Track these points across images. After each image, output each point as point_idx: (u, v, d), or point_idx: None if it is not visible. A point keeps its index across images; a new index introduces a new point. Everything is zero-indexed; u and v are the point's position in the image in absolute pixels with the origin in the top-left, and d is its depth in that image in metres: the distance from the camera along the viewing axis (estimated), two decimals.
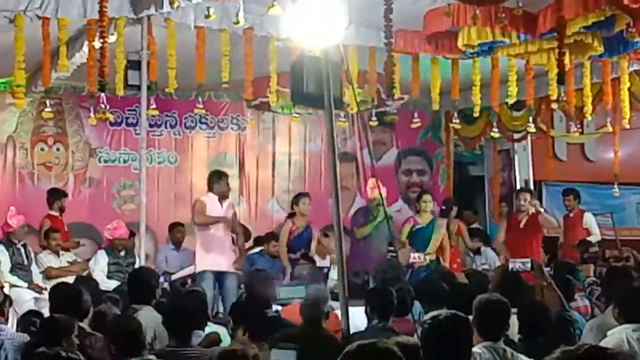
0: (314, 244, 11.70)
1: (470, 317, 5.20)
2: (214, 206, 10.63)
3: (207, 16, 8.64)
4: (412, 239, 12.19)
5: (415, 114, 12.83)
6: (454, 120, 12.78)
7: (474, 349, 5.50)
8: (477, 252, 13.40)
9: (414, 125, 12.89)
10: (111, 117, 8.72)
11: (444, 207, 12.82)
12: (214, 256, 10.48)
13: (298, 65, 6.60)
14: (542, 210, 12.38)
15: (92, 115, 10.88)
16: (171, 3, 7.95)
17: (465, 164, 16.44)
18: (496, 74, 10.93)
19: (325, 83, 6.27)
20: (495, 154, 15.42)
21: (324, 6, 6.17)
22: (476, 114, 12.04)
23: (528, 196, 12.40)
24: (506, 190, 15.25)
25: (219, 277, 10.49)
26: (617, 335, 5.99)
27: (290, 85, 6.82)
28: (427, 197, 12.43)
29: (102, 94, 8.11)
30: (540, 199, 15.37)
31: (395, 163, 15.60)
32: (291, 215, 11.89)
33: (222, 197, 10.75)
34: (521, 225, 12.14)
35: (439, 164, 15.74)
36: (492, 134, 13.18)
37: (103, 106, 8.34)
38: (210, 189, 10.80)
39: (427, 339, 4.50)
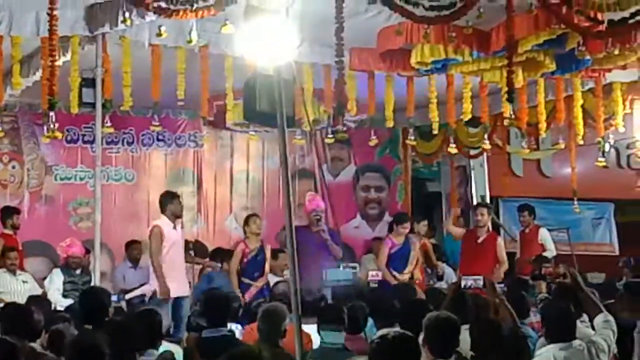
0: (267, 264, 11.59)
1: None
2: (169, 231, 10.45)
3: (159, 34, 8.65)
4: (390, 260, 12.23)
5: (372, 132, 12.87)
6: (409, 137, 12.88)
7: None
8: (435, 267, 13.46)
9: (371, 143, 12.94)
10: (60, 136, 8.69)
11: (395, 221, 12.78)
12: (172, 283, 10.31)
13: (251, 83, 6.61)
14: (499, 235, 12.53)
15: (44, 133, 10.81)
16: (123, 21, 7.94)
17: (423, 180, 16.54)
18: (451, 91, 11.02)
19: (277, 101, 6.28)
20: (453, 170, 15.50)
21: (275, 25, 6.20)
22: (435, 131, 12.11)
23: (485, 211, 12.48)
24: (463, 206, 15.32)
25: (176, 301, 10.35)
26: (545, 355, 6.07)
27: (243, 103, 6.83)
28: (404, 224, 12.44)
29: (52, 113, 8.06)
30: (497, 215, 15.53)
31: (354, 179, 15.65)
32: (244, 239, 11.70)
33: (176, 217, 10.63)
34: (479, 241, 12.21)
35: (396, 181, 15.81)
36: (449, 149, 13.26)
37: (52, 125, 8.27)
38: (163, 211, 10.59)
39: (375, 357, 4.51)
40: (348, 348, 6.66)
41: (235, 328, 8.09)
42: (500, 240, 12.49)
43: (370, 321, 7.63)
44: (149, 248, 10.58)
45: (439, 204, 16.17)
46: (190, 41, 8.63)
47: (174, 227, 10.57)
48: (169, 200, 10.65)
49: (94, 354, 5.66)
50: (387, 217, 14.94)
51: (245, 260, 11.43)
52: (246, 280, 11.33)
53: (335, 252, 11.86)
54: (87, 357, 5.65)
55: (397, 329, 4.82)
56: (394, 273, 12.02)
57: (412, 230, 12.93)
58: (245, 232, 11.71)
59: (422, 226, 13.15)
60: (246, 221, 11.78)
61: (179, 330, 9.17)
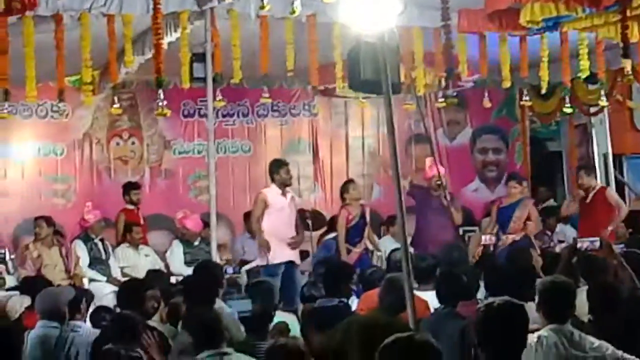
0: (367, 230, 11.58)
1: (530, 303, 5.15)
2: (277, 198, 10.52)
3: (262, 7, 8.66)
4: (498, 218, 12.06)
5: (486, 93, 12.66)
6: (524, 98, 12.62)
7: (540, 332, 5.44)
8: (553, 230, 13.22)
9: (485, 105, 12.73)
10: (168, 113, 8.80)
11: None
12: (283, 247, 10.41)
13: (355, 52, 6.60)
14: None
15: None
16: None
17: (542, 140, 16.20)
18: (565, 48, 10.73)
19: (382, 69, 6.22)
20: (572, 129, 15.13)
21: None
22: (544, 90, 11.83)
23: (583, 173, 12.18)
24: (584, 164, 14.94)
25: (287, 267, 10.44)
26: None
27: (348, 72, 6.80)
28: (512, 182, 12.27)
29: (160, 90, 8.17)
30: (621, 173, 15.14)
31: (470, 142, 15.49)
32: (345, 204, 11.70)
33: (284, 186, 10.67)
34: (587, 201, 11.94)
35: (515, 142, 15.55)
36: (564, 109, 12.96)
37: (161, 102, 8.40)
38: (272, 179, 10.67)
39: (480, 326, 4.45)
40: (461, 315, 6.59)
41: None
42: (609, 190, 12.19)
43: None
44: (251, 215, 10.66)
45: (560, 164, 15.85)
46: (293, 12, 8.63)
47: (283, 194, 10.61)
48: (276, 169, 10.70)
49: (209, 328, 5.79)
50: None
51: (348, 226, 11.44)
52: (347, 246, 11.35)
53: (456, 217, 11.75)
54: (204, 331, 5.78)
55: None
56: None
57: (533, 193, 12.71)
58: (344, 199, 11.64)
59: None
60: (345, 188, 11.74)
61: (291, 299, 9.21)
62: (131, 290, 7.17)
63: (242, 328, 6.88)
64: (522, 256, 8.99)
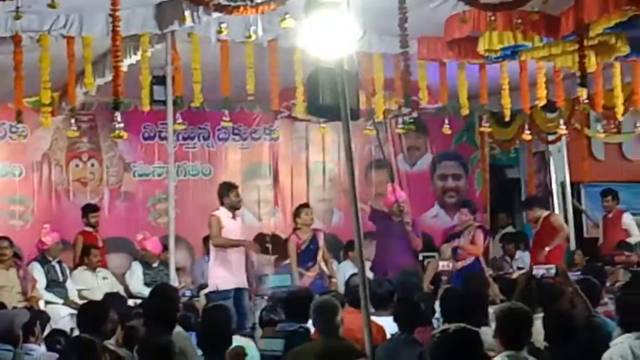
0: (320, 254, 11.61)
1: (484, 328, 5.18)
2: (227, 221, 10.49)
3: (220, 31, 8.70)
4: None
5: (446, 120, 12.73)
6: (484, 124, 12.73)
7: (496, 359, 5.47)
8: (513, 256, 13.32)
9: (445, 132, 12.79)
10: (125, 136, 8.75)
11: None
12: (232, 275, 10.40)
13: (313, 77, 6.61)
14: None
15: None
16: (184, 20, 8.01)
17: (502, 167, 16.33)
18: (524, 76, 10.87)
19: (340, 94, 6.25)
20: (531, 157, 15.27)
21: (335, 17, 6.17)
22: (507, 118, 11.94)
23: (527, 210, 12.52)
24: (542, 193, 15.08)
25: (236, 292, 10.42)
26: (620, 346, 5.93)
27: (307, 97, 6.83)
28: (463, 210, 12.45)
29: (117, 113, 8.14)
30: (579, 200, 15.29)
31: (430, 168, 15.56)
32: (295, 229, 11.74)
33: (234, 209, 10.66)
34: (537, 229, 12.08)
35: (474, 168, 15.66)
36: (524, 136, 13.09)
37: (117, 125, 8.37)
38: (221, 202, 10.62)
39: (435, 352, 4.47)
40: (418, 340, 6.60)
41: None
42: (553, 216, 12.38)
43: None
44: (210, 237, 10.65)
45: (519, 191, 15.95)
46: (250, 36, 8.67)
47: (233, 217, 10.60)
48: (226, 192, 10.65)
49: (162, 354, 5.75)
50: None
51: (298, 251, 11.45)
52: (299, 270, 11.35)
53: (416, 243, 11.79)
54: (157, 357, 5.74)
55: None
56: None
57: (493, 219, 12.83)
58: (296, 223, 11.64)
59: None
60: (297, 212, 11.74)
61: (242, 324, 9.19)
62: (92, 313, 7.11)
63: (200, 353, 6.85)
64: (474, 281, 9.02)
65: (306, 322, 7.43)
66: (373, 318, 6.35)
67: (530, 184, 15.26)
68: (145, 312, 7.37)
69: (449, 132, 12.92)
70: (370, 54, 10.15)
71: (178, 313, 7.33)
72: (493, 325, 5.82)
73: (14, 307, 9.36)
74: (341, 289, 10.74)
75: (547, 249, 11.40)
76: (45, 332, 8.02)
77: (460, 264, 11.74)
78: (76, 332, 9.11)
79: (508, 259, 13.28)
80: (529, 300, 6.96)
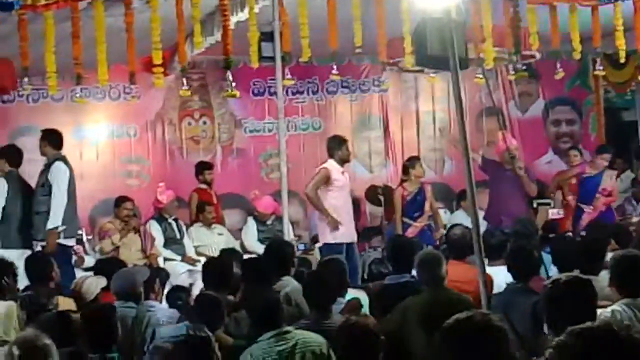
0: (427, 204, 11.55)
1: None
2: (337, 175, 10.48)
3: None
4: (580, 187, 12.14)
5: (558, 64, 12.44)
6: (597, 68, 12.41)
7: (614, 307, 5.39)
8: None
9: (557, 76, 12.51)
10: (237, 95, 8.83)
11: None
12: (344, 228, 10.40)
13: (421, 27, 6.59)
14: None
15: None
16: None
17: (618, 110, 15.94)
18: (639, 17, 10.54)
19: (448, 44, 6.18)
20: None
21: None
22: (622, 60, 11.61)
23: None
24: None
25: (348, 247, 10.39)
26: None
27: (415, 48, 6.78)
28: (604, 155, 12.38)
29: (229, 72, 8.20)
30: None
31: (543, 114, 15.30)
32: (402, 181, 11.69)
33: (344, 162, 10.66)
34: None
35: (588, 112, 15.33)
36: (639, 78, 12.75)
37: (229, 83, 8.43)
38: (330, 155, 10.62)
39: (547, 303, 4.41)
40: (534, 289, 6.54)
41: None
42: None
43: None
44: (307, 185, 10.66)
45: (636, 134, 15.57)
46: None
47: (342, 173, 10.60)
48: (337, 146, 10.66)
49: (267, 310, 5.84)
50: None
51: (404, 202, 11.49)
52: (406, 220, 11.40)
53: (531, 189, 11.67)
54: (267, 312, 5.83)
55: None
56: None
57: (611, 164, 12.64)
58: (408, 174, 11.68)
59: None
60: (412, 163, 11.81)
61: (353, 279, 9.20)
62: (215, 270, 7.28)
63: None
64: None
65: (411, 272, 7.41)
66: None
67: None
68: (259, 268, 7.45)
69: (561, 76, 12.61)
70: (478, 1, 9.98)
71: (293, 269, 7.43)
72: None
73: (134, 265, 9.61)
74: None
75: None
76: (166, 289, 8.23)
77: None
78: (195, 288, 9.42)
79: (635, 203, 12.98)
80: None
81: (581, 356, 2.62)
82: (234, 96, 8.88)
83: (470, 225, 6.52)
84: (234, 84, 8.56)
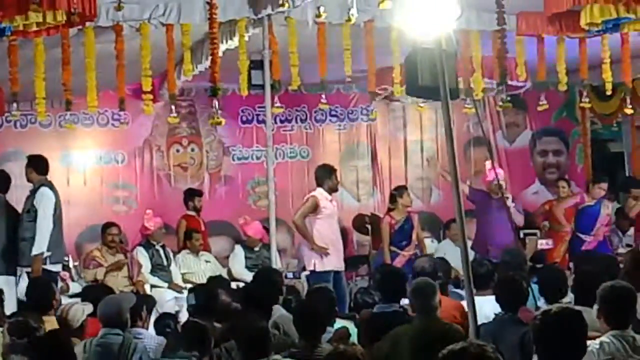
0: (414, 233, 11.57)
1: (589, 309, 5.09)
2: (325, 203, 10.52)
3: (318, 15, 8.69)
4: (578, 217, 12.21)
5: (542, 96, 12.47)
6: (583, 99, 12.46)
7: (602, 339, 5.37)
8: (625, 231, 13.10)
9: (539, 108, 12.52)
10: (223, 122, 8.89)
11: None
12: (331, 256, 10.42)
13: (412, 57, 6.60)
14: None
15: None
16: (281, 4, 8.04)
17: (604, 141, 16.02)
18: (626, 49, 10.61)
19: (439, 74, 6.20)
20: (634, 130, 14.93)
21: None
22: (608, 92, 11.68)
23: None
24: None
25: (335, 275, 10.42)
26: None
27: (405, 78, 6.80)
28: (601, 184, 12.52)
29: (215, 100, 8.23)
30: None
31: (530, 144, 15.35)
32: (389, 210, 11.71)
33: (332, 192, 10.67)
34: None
35: (575, 143, 15.38)
36: (625, 110, 12.79)
37: (215, 111, 8.46)
38: (319, 184, 10.64)
39: (538, 333, 4.41)
40: (522, 320, 6.54)
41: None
42: None
43: None
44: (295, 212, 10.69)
45: (622, 165, 15.64)
46: (349, 19, 8.65)
47: (330, 201, 10.62)
48: (326, 175, 10.69)
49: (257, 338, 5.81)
50: None
51: (392, 231, 11.48)
52: (393, 249, 11.41)
53: (518, 219, 11.69)
54: (255, 341, 5.80)
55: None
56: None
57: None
58: (396, 203, 11.66)
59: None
60: (399, 192, 11.77)
61: (341, 306, 9.19)
62: (201, 297, 7.25)
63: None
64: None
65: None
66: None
67: (634, 158, 14.92)
68: (247, 296, 7.44)
69: (544, 107, 12.60)
70: (468, 32, 10.04)
71: (281, 297, 7.41)
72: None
73: (121, 292, 9.58)
74: None
75: None
76: (152, 316, 8.19)
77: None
78: (182, 315, 9.39)
79: (620, 234, 13.02)
80: (634, 278, 6.79)
81: None
82: (219, 123, 8.90)
83: (458, 254, 6.53)
84: (220, 112, 8.57)
